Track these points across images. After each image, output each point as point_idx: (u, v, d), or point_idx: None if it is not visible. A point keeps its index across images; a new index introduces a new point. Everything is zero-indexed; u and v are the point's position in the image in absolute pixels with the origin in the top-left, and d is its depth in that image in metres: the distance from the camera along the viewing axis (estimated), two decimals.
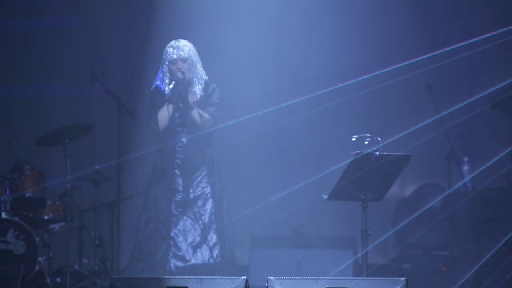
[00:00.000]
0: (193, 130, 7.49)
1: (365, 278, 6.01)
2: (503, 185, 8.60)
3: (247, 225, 8.76)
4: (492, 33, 8.80)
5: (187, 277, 5.67)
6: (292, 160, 9.92)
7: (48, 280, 8.43)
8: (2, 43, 10.01)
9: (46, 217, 8.71)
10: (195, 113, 7.46)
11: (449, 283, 8.40)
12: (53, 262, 8.63)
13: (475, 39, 8.92)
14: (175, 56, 7.44)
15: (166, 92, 7.49)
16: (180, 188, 7.51)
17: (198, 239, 7.45)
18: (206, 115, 7.46)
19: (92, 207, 9.16)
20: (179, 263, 7.41)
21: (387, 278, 5.57)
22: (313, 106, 9.62)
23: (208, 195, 7.53)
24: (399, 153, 6.49)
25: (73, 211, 8.75)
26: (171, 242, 7.43)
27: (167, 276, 5.93)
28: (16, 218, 8.53)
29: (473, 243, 8.46)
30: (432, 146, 9.28)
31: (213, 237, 7.47)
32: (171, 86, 7.43)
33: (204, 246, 7.43)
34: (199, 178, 7.55)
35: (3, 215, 8.50)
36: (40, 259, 8.48)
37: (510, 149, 8.55)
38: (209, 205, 7.52)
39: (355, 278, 6.59)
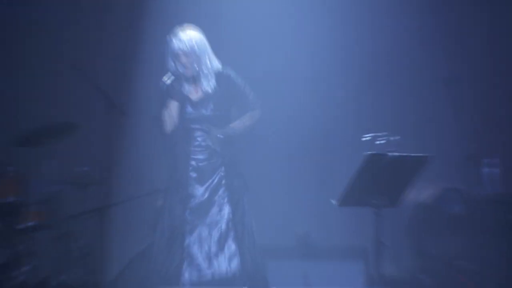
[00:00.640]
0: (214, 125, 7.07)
1: None
2: None
3: None
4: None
5: None
6: (296, 162, 9.54)
7: None
8: None
9: (29, 224, 8.20)
10: (241, 127, 7.14)
11: None
12: (37, 273, 8.19)
13: None
14: (176, 49, 6.96)
15: (164, 88, 7.03)
16: (196, 193, 7.03)
17: (214, 248, 6.94)
18: (251, 114, 7.13)
19: (80, 213, 8.56)
20: (194, 274, 6.91)
21: None
22: (318, 106, 9.39)
23: (225, 200, 7.03)
24: (416, 154, 6.25)
25: (59, 217, 8.37)
26: (186, 252, 6.94)
27: None
28: None
29: (496, 252, 8.07)
30: (449, 146, 8.93)
31: (231, 246, 6.95)
32: (169, 81, 6.98)
33: (221, 256, 6.93)
34: (216, 181, 7.05)
35: None
36: (23, 269, 8.01)
37: None
38: (226, 210, 7.01)
39: None
